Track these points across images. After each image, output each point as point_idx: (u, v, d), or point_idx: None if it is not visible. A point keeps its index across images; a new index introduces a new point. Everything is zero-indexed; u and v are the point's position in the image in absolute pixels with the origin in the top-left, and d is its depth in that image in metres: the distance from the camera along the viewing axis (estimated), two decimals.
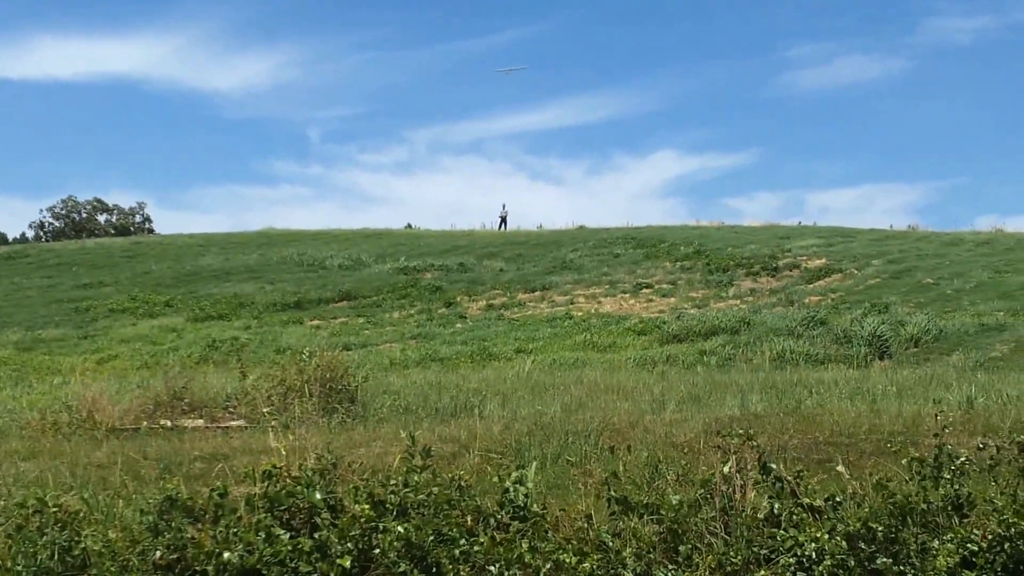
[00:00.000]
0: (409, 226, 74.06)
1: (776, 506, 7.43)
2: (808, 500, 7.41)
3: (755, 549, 7.17)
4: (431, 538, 6.59)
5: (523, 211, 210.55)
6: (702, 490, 7.63)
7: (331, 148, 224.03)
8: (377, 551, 6.54)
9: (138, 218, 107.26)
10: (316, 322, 33.76)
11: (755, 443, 7.92)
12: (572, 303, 35.22)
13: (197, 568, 6.54)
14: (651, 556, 7.15)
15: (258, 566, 6.43)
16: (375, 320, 33.85)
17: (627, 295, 36.54)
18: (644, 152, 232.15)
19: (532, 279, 40.23)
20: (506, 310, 34.65)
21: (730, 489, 7.54)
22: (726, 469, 7.63)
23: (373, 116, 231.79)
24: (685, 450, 9.31)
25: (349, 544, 6.50)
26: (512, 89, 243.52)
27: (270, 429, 10.42)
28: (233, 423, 12.70)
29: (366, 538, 6.56)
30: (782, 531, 7.23)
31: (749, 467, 7.73)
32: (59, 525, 6.71)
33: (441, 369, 22.66)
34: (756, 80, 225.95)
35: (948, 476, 7.24)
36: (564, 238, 53.05)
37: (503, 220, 68.34)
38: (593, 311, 33.31)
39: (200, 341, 29.26)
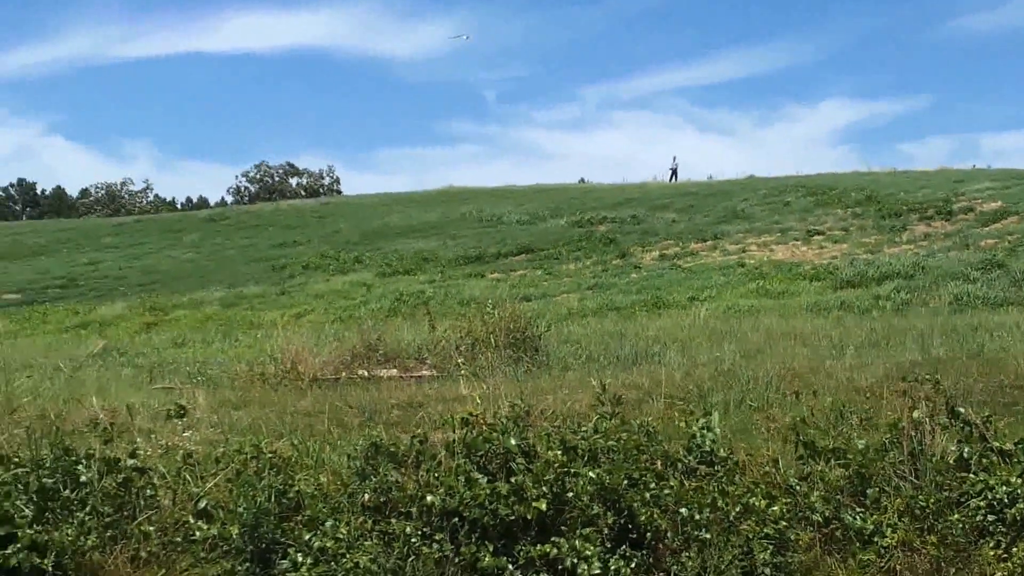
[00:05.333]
0: (582, 181, 73.90)
1: (965, 450, 7.38)
2: (998, 444, 7.33)
3: (945, 493, 7.16)
4: (624, 482, 6.81)
5: (693, 163, 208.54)
6: (889, 434, 7.64)
7: (506, 108, 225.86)
8: (570, 495, 6.81)
9: (326, 180, 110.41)
10: (496, 275, 34.21)
11: (942, 387, 7.86)
12: (744, 251, 34.64)
13: (402, 510, 6.95)
14: (839, 499, 7.23)
15: (459, 508, 6.79)
16: (552, 272, 34.06)
17: (799, 242, 35.68)
18: (813, 101, 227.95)
19: (704, 229, 39.71)
20: (679, 260, 34.32)
21: (917, 433, 7.52)
22: (916, 414, 7.60)
23: (545, 75, 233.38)
24: (867, 395, 9.25)
25: (544, 488, 6.78)
26: (680, 44, 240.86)
27: (460, 378, 10.81)
28: (425, 373, 13.09)
29: (559, 482, 6.83)
30: (972, 475, 7.19)
31: (936, 411, 7.68)
32: (274, 470, 7.19)
33: (618, 318, 22.68)
34: (926, 23, 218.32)
35: None
36: (734, 188, 52.06)
37: (674, 172, 67.71)
38: (765, 259, 32.71)
39: (388, 295, 30.08)
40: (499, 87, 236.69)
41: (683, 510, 6.78)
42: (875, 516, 7.13)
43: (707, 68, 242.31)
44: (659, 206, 46.80)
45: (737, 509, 6.87)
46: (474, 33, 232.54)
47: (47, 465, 6.92)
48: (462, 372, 11.24)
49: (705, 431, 7.43)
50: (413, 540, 6.73)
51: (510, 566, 6.65)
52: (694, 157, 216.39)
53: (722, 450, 7.40)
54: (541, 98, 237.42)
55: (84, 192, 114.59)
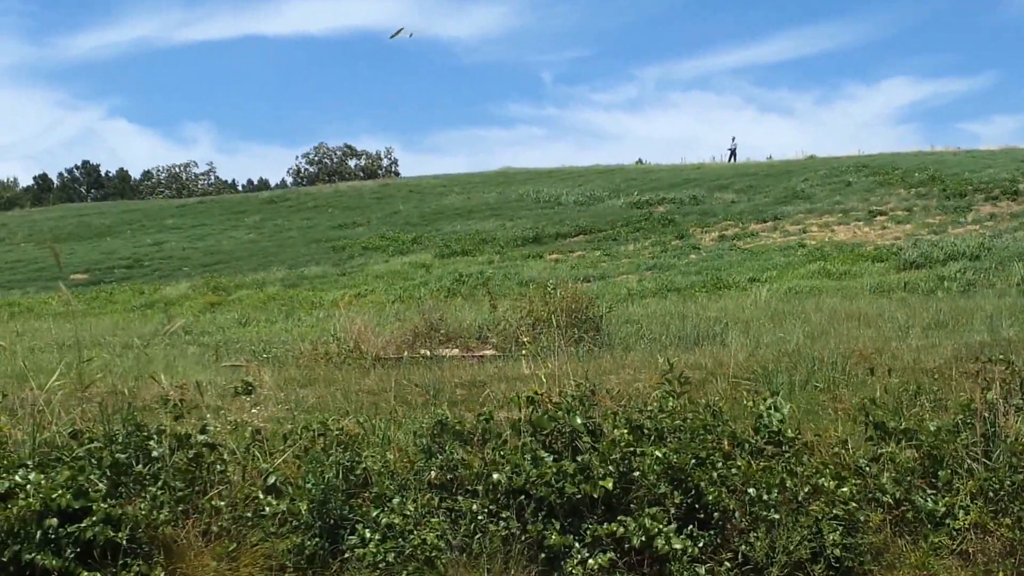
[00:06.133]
0: (640, 162, 73.71)
1: None
2: None
3: (1020, 475, 7.05)
4: (691, 462, 6.78)
5: (752, 143, 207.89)
6: (961, 416, 7.53)
7: (563, 89, 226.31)
8: (637, 474, 6.80)
9: (385, 162, 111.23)
10: (555, 256, 34.19)
11: (1016, 367, 7.73)
12: (804, 232, 34.26)
13: (468, 488, 6.98)
14: (909, 481, 7.14)
15: (525, 487, 6.81)
16: (611, 253, 33.96)
17: (860, 223, 35.21)
18: (874, 80, 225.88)
19: (763, 209, 39.35)
20: (738, 240, 34.05)
21: (990, 415, 7.41)
22: (989, 395, 7.49)
23: (603, 56, 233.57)
24: (935, 376, 9.12)
25: (610, 467, 6.78)
26: (740, 23, 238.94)
27: (522, 358, 10.82)
28: (486, 352, 13.11)
29: (626, 461, 6.82)
30: None
31: (1011, 392, 7.57)
32: (341, 447, 7.24)
33: (677, 299, 22.58)
34: (990, 1, 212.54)
35: None
36: (794, 168, 51.52)
37: (732, 152, 67.53)
38: (826, 239, 32.32)
39: (447, 276, 30.18)
40: (556, 68, 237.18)
41: (751, 490, 6.74)
42: (947, 498, 7.05)
43: (767, 47, 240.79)
44: (718, 187, 46.51)
45: (806, 490, 6.81)
46: (530, 15, 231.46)
47: (120, 440, 7.02)
48: (523, 352, 11.26)
49: (772, 411, 7.37)
50: (480, 517, 6.78)
51: (576, 544, 6.67)
52: (753, 137, 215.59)
53: (789, 430, 7.34)
54: (599, 79, 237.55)
55: (147, 174, 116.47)
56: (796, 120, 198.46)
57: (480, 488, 6.93)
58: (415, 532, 6.65)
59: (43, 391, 8.14)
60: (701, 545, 6.61)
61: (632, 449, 6.89)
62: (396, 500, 6.84)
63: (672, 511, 6.72)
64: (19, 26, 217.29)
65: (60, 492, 6.32)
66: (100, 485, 6.59)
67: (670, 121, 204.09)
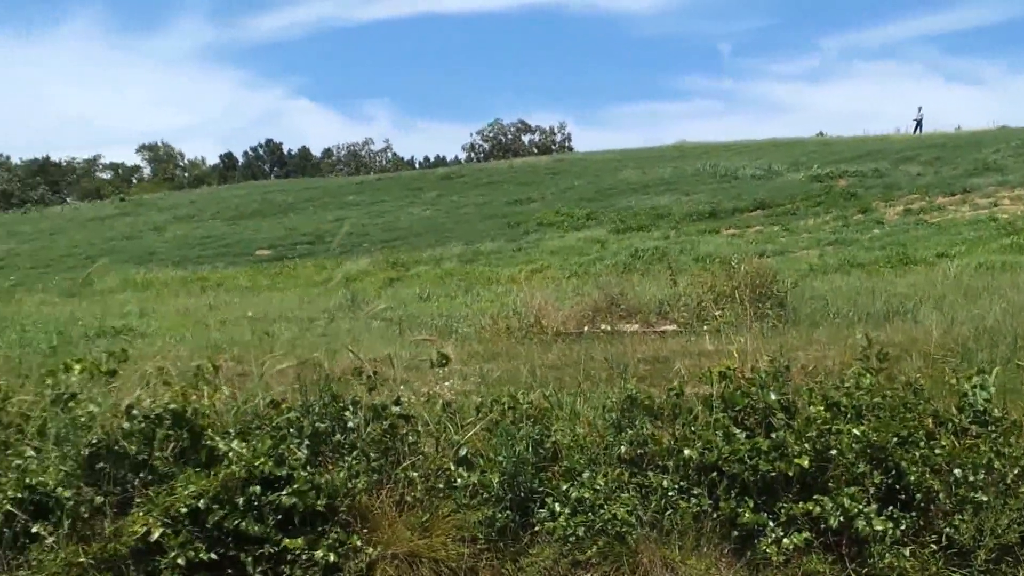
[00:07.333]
0: (820, 134, 72.09)
1: None
2: None
3: None
4: (892, 440, 6.56)
5: (939, 114, 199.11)
6: None
7: (741, 61, 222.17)
8: (833, 452, 6.61)
9: (558, 137, 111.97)
10: (731, 231, 33.69)
11: None
12: (995, 205, 32.71)
13: (658, 463, 6.92)
14: None
15: (718, 463, 6.70)
16: (790, 228, 33.26)
17: None
18: None
19: (951, 182, 37.79)
20: (924, 214, 32.80)
21: None
22: None
23: (783, 26, 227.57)
24: None
25: (806, 444, 6.61)
26: None
27: (705, 333, 10.67)
28: (668, 327, 13.00)
29: (822, 439, 6.64)
30: None
31: None
32: (530, 420, 7.27)
33: (861, 274, 21.94)
34: None
35: None
36: (984, 139, 49.31)
37: (918, 123, 65.50)
38: (1020, 213, 30.78)
39: (623, 251, 30.07)
40: (734, 40, 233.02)
41: (956, 471, 6.48)
42: None
43: (955, 14, 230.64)
44: (903, 159, 45.00)
45: (1015, 471, 6.51)
46: None
47: (316, 411, 7.20)
48: (705, 327, 11.11)
49: (978, 389, 7.05)
50: (670, 493, 6.72)
51: (770, 523, 6.55)
52: (940, 107, 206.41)
53: (996, 410, 7.02)
54: (778, 50, 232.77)
55: (327, 152, 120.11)
56: (985, 89, 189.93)
57: (670, 464, 6.86)
58: (605, 507, 6.63)
59: (238, 362, 8.42)
60: (903, 527, 6.39)
61: (828, 426, 6.71)
62: (586, 474, 6.83)
63: (871, 491, 6.52)
64: (208, 8, 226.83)
65: (263, 460, 6.53)
66: (299, 453, 6.77)
67: (853, 92, 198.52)
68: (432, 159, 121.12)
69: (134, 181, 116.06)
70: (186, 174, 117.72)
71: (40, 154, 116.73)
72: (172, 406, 6.87)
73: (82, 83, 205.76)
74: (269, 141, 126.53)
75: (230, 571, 6.43)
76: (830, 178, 41.89)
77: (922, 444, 6.62)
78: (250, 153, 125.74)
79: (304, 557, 6.42)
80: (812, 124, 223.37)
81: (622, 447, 7.00)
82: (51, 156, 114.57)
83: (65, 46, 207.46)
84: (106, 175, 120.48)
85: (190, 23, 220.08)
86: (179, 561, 6.23)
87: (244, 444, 6.70)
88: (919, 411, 6.97)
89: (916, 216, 32.66)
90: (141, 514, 6.37)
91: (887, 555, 6.27)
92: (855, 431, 6.62)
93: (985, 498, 6.40)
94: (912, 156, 45.51)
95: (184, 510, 6.35)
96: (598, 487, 6.73)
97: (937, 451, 6.58)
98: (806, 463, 6.51)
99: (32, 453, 6.75)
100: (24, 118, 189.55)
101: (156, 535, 6.27)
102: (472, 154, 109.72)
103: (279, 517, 6.50)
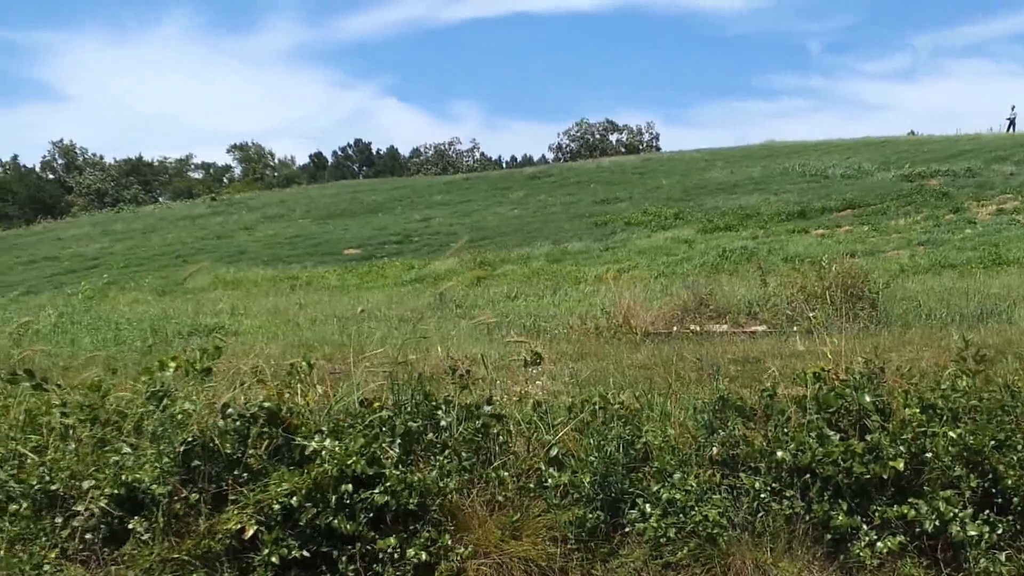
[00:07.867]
0: (911, 133, 70.83)
1: None
2: None
3: None
4: (990, 443, 6.46)
5: None
6: None
7: (830, 58, 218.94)
8: (929, 455, 6.54)
9: (646, 136, 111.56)
10: (820, 231, 33.18)
11: None
12: None
13: (751, 465, 6.89)
14: None
15: (811, 465, 6.66)
16: (880, 228, 32.65)
17: None
18: None
19: None
20: (1018, 214, 31.90)
21: None
22: None
23: (874, 24, 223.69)
24: None
25: (901, 447, 6.54)
26: None
27: (795, 334, 10.57)
28: (757, 328, 12.91)
29: (918, 442, 6.57)
30: None
31: None
32: (621, 420, 7.28)
33: (953, 275, 21.52)
34: None
35: None
36: None
37: (1011, 122, 64.44)
38: None
39: (711, 251, 29.79)
40: (824, 38, 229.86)
41: None
42: None
43: None
44: (996, 158, 43.97)
45: None
46: None
47: (408, 409, 7.29)
48: (795, 328, 11.01)
49: None
50: (763, 495, 6.69)
51: (864, 526, 6.49)
52: None
53: None
54: (868, 48, 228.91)
55: (415, 151, 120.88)
56: None
57: (763, 466, 6.83)
58: (696, 508, 6.63)
59: (328, 360, 8.54)
60: (1000, 532, 6.30)
61: (924, 429, 6.63)
62: (677, 475, 6.84)
63: (967, 495, 6.43)
64: (299, 9, 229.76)
65: (355, 459, 6.63)
66: (391, 452, 6.87)
67: (945, 90, 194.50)
68: (519, 159, 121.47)
69: (225, 181, 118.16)
70: (276, 174, 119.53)
71: (133, 154, 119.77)
72: (267, 405, 7.01)
73: (174, 83, 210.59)
74: (358, 141, 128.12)
75: (323, 568, 6.55)
76: (921, 177, 41.10)
77: (1019, 448, 6.52)
78: (339, 153, 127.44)
79: (396, 556, 6.51)
80: (902, 123, 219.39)
81: (714, 448, 7.00)
82: (144, 156, 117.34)
83: (158, 47, 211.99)
84: (198, 175, 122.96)
85: (281, 23, 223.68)
86: (272, 559, 6.36)
87: (337, 443, 6.79)
88: (1016, 414, 6.86)
89: (1009, 216, 31.90)
90: (235, 511, 6.51)
91: (983, 560, 6.20)
92: (951, 434, 6.54)
93: None
94: (1005, 155, 44.44)
95: (277, 508, 6.48)
96: (689, 488, 6.73)
97: None
98: (901, 466, 6.45)
99: (128, 450, 6.93)
100: (117, 118, 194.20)
101: (250, 532, 6.42)
102: (559, 154, 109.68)
103: (371, 515, 6.60)
